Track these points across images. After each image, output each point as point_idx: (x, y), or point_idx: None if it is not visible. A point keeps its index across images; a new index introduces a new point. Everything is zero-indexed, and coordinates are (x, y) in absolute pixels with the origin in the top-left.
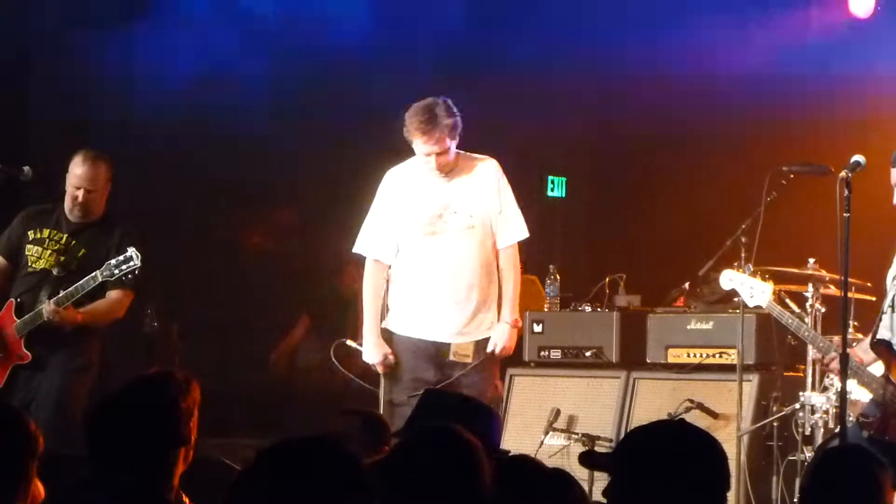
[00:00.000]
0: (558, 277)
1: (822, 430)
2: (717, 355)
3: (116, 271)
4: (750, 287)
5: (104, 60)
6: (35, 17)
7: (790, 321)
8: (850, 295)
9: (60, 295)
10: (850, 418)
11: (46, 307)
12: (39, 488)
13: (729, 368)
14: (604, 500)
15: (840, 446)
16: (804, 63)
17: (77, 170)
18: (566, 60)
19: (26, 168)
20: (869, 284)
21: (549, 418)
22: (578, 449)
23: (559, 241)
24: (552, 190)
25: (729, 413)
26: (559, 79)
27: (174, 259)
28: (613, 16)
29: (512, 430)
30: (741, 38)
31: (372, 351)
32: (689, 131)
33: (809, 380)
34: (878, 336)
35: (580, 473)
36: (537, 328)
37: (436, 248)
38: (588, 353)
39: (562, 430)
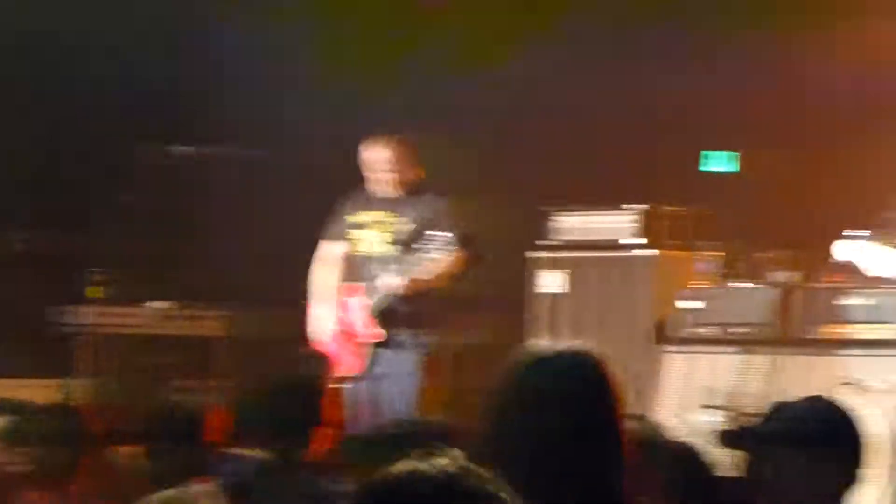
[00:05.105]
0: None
1: None
2: (876, 332)
3: (431, 246)
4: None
5: None
6: None
7: None
8: None
9: (402, 266)
10: None
11: (395, 282)
12: None
13: (892, 344)
14: None
15: None
16: None
17: (362, 156)
18: None
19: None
20: None
21: (704, 395)
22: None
23: (720, 217)
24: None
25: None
26: None
27: None
28: None
29: (666, 407)
30: None
31: None
32: (861, 104)
33: None
34: None
35: None
36: (694, 304)
37: None
38: (745, 329)
39: (717, 407)
